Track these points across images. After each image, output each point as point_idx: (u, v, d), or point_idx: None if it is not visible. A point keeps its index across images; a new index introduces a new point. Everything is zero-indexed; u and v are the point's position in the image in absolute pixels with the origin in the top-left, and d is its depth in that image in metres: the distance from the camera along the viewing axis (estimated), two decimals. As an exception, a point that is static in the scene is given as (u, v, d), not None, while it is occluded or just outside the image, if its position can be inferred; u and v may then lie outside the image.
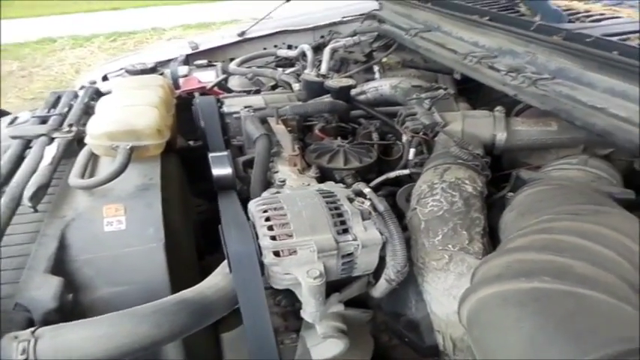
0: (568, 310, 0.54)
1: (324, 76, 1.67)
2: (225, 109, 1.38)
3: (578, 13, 1.33)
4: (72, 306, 0.80)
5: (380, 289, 0.88)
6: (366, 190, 0.90)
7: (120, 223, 0.93)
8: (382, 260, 0.85)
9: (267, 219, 0.83)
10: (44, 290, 0.76)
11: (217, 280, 0.83)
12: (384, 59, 1.74)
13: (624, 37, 1.04)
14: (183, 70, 1.76)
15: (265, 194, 0.92)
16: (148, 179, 1.04)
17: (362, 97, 1.57)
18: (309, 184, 1.06)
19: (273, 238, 0.80)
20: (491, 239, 0.93)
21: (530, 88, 1.05)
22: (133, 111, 1.14)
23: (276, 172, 1.16)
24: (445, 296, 0.82)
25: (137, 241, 0.91)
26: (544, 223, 0.70)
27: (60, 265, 0.84)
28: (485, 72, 1.20)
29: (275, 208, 0.84)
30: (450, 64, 1.35)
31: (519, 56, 1.18)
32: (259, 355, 0.77)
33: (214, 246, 1.03)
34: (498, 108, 1.23)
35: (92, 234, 0.91)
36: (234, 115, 1.37)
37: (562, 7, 1.37)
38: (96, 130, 1.08)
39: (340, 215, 0.83)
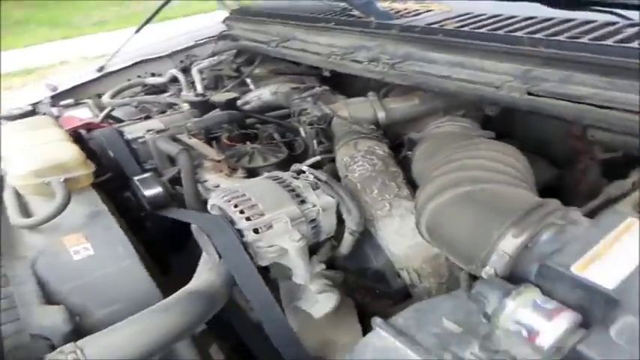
0: (487, 199, 0.84)
1: (202, 94, 1.80)
2: (128, 136, 1.43)
3: (399, 11, 1.72)
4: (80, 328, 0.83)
5: (345, 244, 1.07)
6: (305, 167, 1.10)
7: (87, 250, 0.97)
8: (340, 222, 1.06)
9: (236, 205, 0.97)
10: (52, 318, 0.79)
11: (207, 273, 0.95)
12: (256, 70, 1.95)
13: (442, 23, 1.44)
14: (54, 111, 1.72)
15: (223, 188, 1.06)
16: (94, 207, 1.08)
17: (247, 107, 1.76)
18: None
19: (248, 219, 0.95)
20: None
21: (391, 71, 1.36)
22: (49, 147, 1.16)
23: (205, 181, 1.29)
24: (397, 236, 1.06)
25: (111, 262, 0.96)
26: (448, 157, 1.00)
27: (48, 297, 0.86)
28: (350, 65, 1.49)
29: (238, 196, 0.99)
30: (319, 64, 1.62)
31: (372, 49, 1.50)
32: (272, 324, 0.90)
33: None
34: (371, 93, 1.54)
35: (64, 265, 0.94)
36: (140, 140, 1.44)
37: (387, 8, 1.75)
38: (20, 171, 1.08)
39: (294, 190, 1.02)
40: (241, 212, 0.95)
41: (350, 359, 0.62)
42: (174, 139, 1.40)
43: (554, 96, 1.03)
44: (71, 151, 1.13)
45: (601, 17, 1.26)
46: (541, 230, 0.72)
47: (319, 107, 1.50)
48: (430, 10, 1.66)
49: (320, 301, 1.01)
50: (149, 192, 1.21)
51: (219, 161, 1.31)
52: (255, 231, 0.95)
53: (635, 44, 1.03)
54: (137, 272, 0.96)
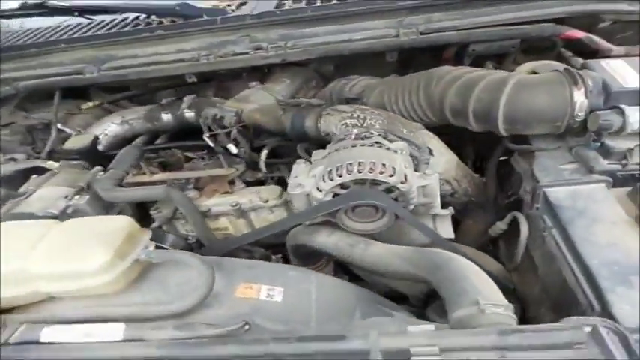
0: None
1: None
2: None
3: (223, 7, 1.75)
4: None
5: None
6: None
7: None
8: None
9: (371, 170, 1.00)
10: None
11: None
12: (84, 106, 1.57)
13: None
14: None
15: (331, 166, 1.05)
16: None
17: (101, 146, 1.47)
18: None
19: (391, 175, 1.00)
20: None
21: (289, 50, 1.45)
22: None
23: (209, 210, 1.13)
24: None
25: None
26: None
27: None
28: (236, 59, 1.47)
29: (364, 163, 1.01)
30: (186, 70, 1.50)
31: (242, 41, 1.52)
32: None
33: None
34: (253, 83, 1.57)
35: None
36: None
37: (213, 6, 1.75)
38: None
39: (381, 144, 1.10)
40: (381, 173, 0.95)
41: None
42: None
43: (439, 30, 1.42)
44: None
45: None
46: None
47: (224, 108, 1.43)
48: (244, 3, 1.77)
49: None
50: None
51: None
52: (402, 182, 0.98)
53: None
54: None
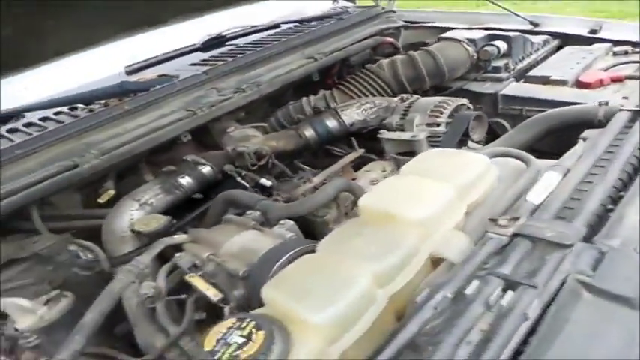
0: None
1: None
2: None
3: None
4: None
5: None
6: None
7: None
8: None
9: None
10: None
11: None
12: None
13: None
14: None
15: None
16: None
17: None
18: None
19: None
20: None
21: (259, 87, 1.76)
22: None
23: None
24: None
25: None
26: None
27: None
28: (224, 104, 1.66)
29: None
30: (187, 127, 1.56)
31: (211, 92, 1.70)
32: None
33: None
34: (231, 128, 1.75)
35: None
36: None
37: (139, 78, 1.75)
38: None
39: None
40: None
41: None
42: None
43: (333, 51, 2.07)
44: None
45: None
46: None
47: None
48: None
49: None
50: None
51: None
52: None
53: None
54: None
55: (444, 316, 0.75)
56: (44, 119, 1.58)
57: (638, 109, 1.29)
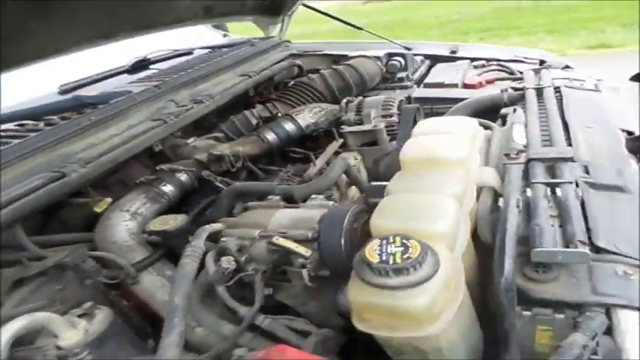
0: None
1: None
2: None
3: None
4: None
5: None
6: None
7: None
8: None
9: None
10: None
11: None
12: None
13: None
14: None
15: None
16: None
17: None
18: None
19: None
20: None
21: (214, 98, 1.78)
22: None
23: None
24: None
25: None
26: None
27: None
28: (188, 114, 1.65)
29: None
30: (162, 135, 1.53)
31: (170, 104, 1.68)
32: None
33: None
34: (191, 139, 1.73)
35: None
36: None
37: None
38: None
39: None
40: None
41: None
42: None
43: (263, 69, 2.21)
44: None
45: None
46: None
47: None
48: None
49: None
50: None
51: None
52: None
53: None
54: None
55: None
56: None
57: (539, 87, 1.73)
